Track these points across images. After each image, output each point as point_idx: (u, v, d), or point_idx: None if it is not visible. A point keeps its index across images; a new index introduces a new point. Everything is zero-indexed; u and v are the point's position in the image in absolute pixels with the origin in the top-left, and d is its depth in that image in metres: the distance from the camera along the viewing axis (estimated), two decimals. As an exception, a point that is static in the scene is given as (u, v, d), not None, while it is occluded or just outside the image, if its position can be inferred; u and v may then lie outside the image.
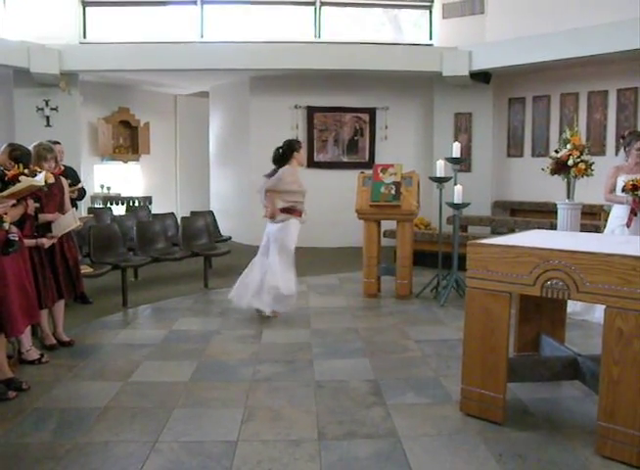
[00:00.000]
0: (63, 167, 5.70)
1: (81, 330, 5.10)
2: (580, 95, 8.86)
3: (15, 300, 3.52)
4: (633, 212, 5.10)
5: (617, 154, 5.93)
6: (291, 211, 5.47)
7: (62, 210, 4.50)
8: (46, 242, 4.22)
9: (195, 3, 9.63)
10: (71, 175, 5.72)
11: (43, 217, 4.28)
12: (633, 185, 5.00)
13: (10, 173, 3.70)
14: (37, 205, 4.16)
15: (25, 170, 3.82)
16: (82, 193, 6.13)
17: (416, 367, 4.17)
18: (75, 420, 3.28)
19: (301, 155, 5.68)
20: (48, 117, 9.41)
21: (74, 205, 5.70)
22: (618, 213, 5.25)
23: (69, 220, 4.44)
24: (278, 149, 5.60)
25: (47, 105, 9.40)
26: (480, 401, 3.24)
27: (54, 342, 4.58)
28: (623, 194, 5.13)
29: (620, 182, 5.18)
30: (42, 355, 4.26)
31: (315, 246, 9.79)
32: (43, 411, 3.40)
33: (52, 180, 4.31)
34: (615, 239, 3.99)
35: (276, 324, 5.33)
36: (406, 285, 6.31)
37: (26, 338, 4.19)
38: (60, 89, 9.27)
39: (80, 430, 3.16)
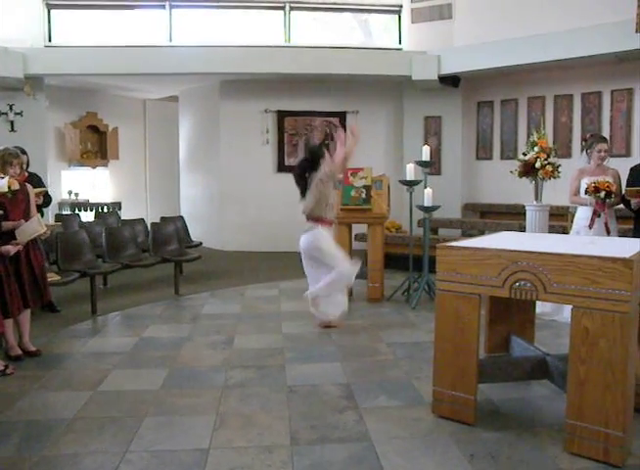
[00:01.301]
0: (27, 174, 5.58)
1: (49, 339, 4.99)
2: (547, 98, 9.02)
3: None
4: (596, 214, 5.23)
5: (580, 156, 6.05)
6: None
7: (27, 216, 4.41)
8: (11, 249, 4.13)
9: (163, 7, 9.55)
10: (36, 182, 5.60)
11: (5, 226, 4.19)
12: (595, 187, 5.13)
13: None
14: (1, 212, 4.07)
15: None
16: (48, 199, 6.01)
17: (388, 370, 4.19)
18: (42, 432, 3.20)
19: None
20: (12, 122, 9.22)
21: (41, 211, 5.59)
22: (583, 215, 5.38)
23: (35, 226, 4.34)
24: (303, 161, 5.25)
25: (11, 109, 9.20)
26: (452, 403, 3.27)
27: (19, 352, 4.47)
28: (587, 196, 5.25)
29: (584, 184, 5.30)
30: (7, 367, 4.14)
31: (287, 250, 9.77)
32: (7, 425, 3.31)
33: (17, 186, 4.24)
34: (581, 240, 4.06)
35: (248, 330, 5.29)
36: (378, 288, 6.33)
37: (-10, 349, 4.09)
38: (24, 93, 9.08)
39: (47, 442, 3.08)
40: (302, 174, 5.16)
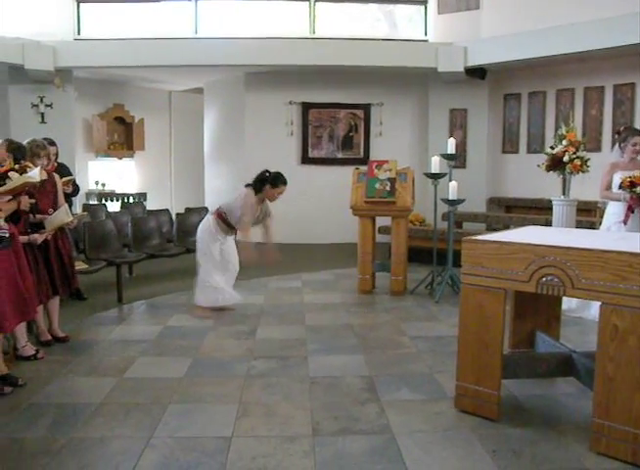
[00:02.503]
0: (56, 164, 5.67)
1: (76, 326, 5.09)
2: (576, 91, 8.86)
3: (4, 297, 3.48)
4: (630, 209, 5.06)
5: (612, 150, 5.92)
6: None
7: (55, 205, 4.49)
8: (39, 237, 4.20)
9: (189, -2, 9.59)
10: (64, 172, 5.69)
11: (34, 219, 4.25)
12: (631, 182, 4.96)
13: (1, 169, 3.67)
14: (33, 201, 4.14)
15: (16, 166, 3.79)
16: (76, 189, 6.11)
17: (411, 363, 4.18)
18: (71, 416, 3.28)
19: (274, 192, 5.41)
20: (43, 114, 9.39)
21: (69, 201, 5.68)
22: (614, 210, 5.22)
23: (62, 216, 4.41)
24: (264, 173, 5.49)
25: (42, 101, 9.37)
26: (475, 398, 3.25)
27: (49, 338, 4.58)
28: (620, 191, 5.10)
29: (617, 179, 5.14)
30: (37, 351, 4.25)
31: (310, 242, 9.81)
32: (39, 407, 3.40)
33: (45, 176, 4.31)
34: (610, 235, 3.99)
35: (271, 320, 5.32)
36: (401, 281, 6.31)
37: (22, 334, 4.19)
38: (54, 86, 9.23)
39: (75, 425, 3.15)
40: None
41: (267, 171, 5.45)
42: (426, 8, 9.78)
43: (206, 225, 5.54)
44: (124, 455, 2.84)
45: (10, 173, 3.70)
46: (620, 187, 5.05)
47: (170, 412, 3.33)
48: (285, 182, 5.45)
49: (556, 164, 5.70)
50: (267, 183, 5.39)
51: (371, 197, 6.23)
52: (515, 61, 8.65)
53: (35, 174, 3.81)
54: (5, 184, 3.66)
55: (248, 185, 5.44)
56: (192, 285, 6.74)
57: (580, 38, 7.76)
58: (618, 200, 5.14)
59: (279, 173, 5.45)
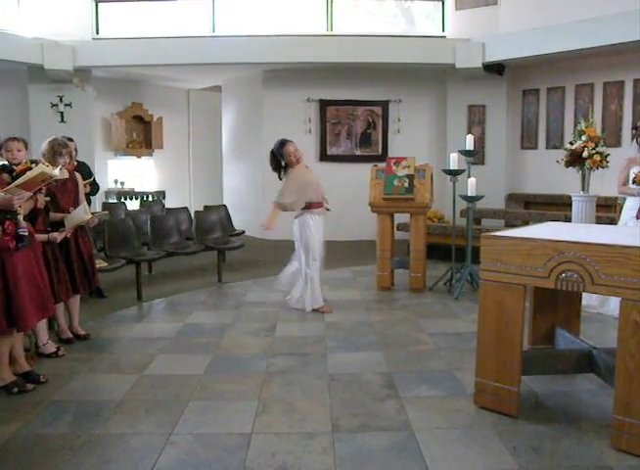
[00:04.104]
0: (76, 163, 5.73)
1: (97, 324, 5.15)
2: (595, 86, 8.75)
3: (26, 294, 3.52)
4: (644, 204, 5.02)
5: (631, 145, 5.85)
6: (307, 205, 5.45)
7: (76, 204, 4.54)
8: (58, 236, 4.25)
9: (206, -3, 9.63)
10: (84, 171, 5.75)
11: (53, 217, 4.31)
12: None
13: (18, 168, 3.71)
14: (47, 198, 4.18)
15: (32, 165, 3.83)
16: (96, 188, 6.17)
17: (430, 360, 4.17)
18: (92, 412, 3.32)
19: (289, 156, 5.38)
20: (62, 113, 9.51)
21: (89, 200, 5.74)
22: (631, 205, 5.19)
23: (81, 215, 4.46)
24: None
25: (61, 101, 9.49)
26: (495, 394, 3.23)
27: (70, 335, 4.64)
28: (635, 186, 5.06)
29: (632, 174, 5.11)
30: (59, 349, 4.31)
31: (328, 239, 9.77)
32: (60, 404, 3.45)
33: (66, 175, 4.36)
34: (630, 231, 3.94)
35: (289, 317, 5.34)
36: (420, 278, 6.29)
37: (43, 332, 4.25)
38: (73, 85, 9.34)
39: (97, 422, 3.19)
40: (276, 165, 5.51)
41: (271, 152, 5.52)
42: (443, 4, 9.72)
43: (302, 221, 5.55)
44: (145, 452, 2.87)
45: (27, 173, 3.74)
46: (634, 182, 5.01)
47: (190, 409, 3.36)
48: (285, 140, 5.47)
49: (575, 159, 5.65)
50: (278, 157, 5.44)
51: (389, 194, 6.22)
52: (533, 56, 8.57)
53: (58, 171, 3.85)
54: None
55: (277, 171, 5.50)
56: (211, 283, 6.83)
57: (599, 33, 7.65)
58: (634, 195, 5.10)
59: (276, 143, 5.49)
